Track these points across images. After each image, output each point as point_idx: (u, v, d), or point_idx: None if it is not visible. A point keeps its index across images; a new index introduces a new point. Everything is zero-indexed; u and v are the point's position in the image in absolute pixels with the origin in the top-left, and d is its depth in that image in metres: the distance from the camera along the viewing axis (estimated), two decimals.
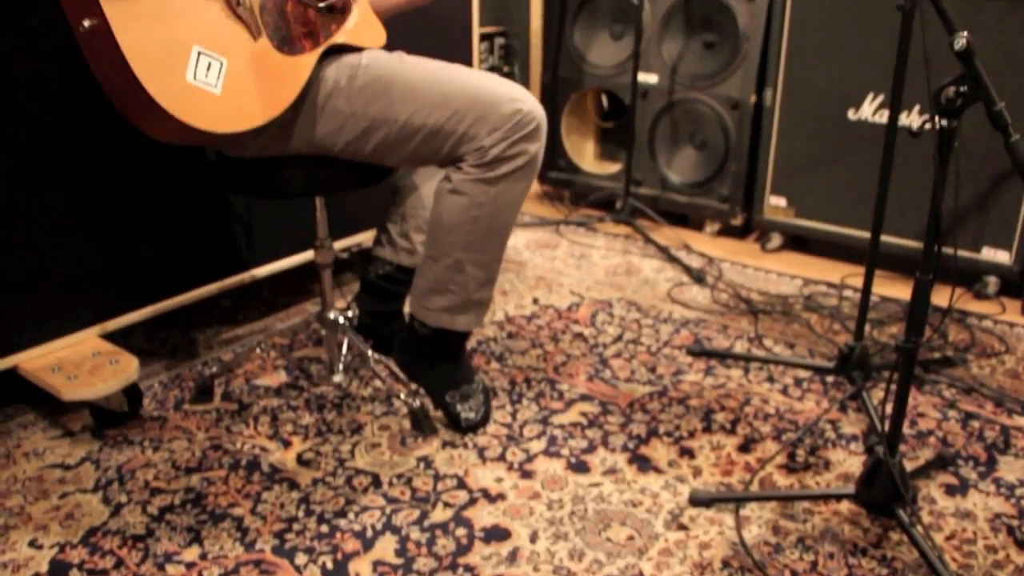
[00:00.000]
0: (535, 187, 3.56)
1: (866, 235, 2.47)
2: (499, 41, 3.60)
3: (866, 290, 2.08)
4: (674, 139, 3.22)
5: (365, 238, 2.55)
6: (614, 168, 3.43)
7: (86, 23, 1.33)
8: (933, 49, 1.52)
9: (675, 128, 3.20)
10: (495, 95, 1.65)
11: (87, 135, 1.85)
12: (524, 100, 1.66)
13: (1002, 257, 2.62)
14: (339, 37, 1.66)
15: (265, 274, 2.31)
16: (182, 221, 2.09)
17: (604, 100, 3.54)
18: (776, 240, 3.07)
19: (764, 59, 2.95)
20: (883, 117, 2.71)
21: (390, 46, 1.78)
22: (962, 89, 1.25)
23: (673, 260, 2.88)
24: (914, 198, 2.67)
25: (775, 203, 3.01)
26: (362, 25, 1.72)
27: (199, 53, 1.41)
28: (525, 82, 3.80)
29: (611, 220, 3.21)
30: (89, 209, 1.89)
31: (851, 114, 2.79)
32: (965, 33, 1.23)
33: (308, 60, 1.60)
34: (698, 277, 2.73)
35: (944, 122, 1.28)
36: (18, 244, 1.78)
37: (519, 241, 3.06)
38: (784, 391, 2.09)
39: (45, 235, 1.82)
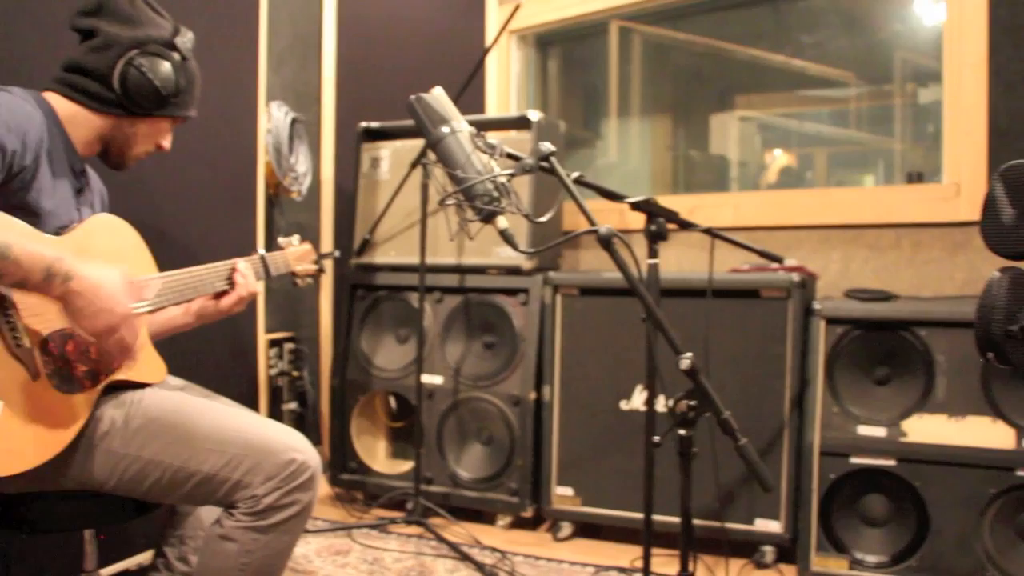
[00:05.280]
0: (327, 490, 3.52)
1: None
2: (289, 346, 3.68)
3: (646, 574, 2.17)
4: (462, 437, 3.32)
5: (140, 560, 2.41)
6: (407, 466, 3.46)
7: None
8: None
9: (462, 426, 3.32)
10: (271, 443, 1.67)
11: None
12: (300, 449, 1.69)
13: (774, 527, 2.78)
14: (119, 373, 1.67)
15: None
16: None
17: (392, 401, 3.64)
18: (567, 529, 3.15)
19: (540, 358, 3.18)
20: None
21: (178, 365, 1.80)
22: (692, 403, 1.43)
23: (466, 559, 2.88)
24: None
25: (562, 493, 3.12)
26: (143, 360, 1.74)
27: None
28: (316, 386, 3.86)
29: (403, 521, 3.20)
30: None
31: (623, 405, 3.02)
32: (690, 354, 1.43)
33: (87, 398, 1.59)
34: (491, 575, 2.73)
35: (682, 431, 1.44)
36: None
37: (310, 549, 2.98)
38: None
39: None
